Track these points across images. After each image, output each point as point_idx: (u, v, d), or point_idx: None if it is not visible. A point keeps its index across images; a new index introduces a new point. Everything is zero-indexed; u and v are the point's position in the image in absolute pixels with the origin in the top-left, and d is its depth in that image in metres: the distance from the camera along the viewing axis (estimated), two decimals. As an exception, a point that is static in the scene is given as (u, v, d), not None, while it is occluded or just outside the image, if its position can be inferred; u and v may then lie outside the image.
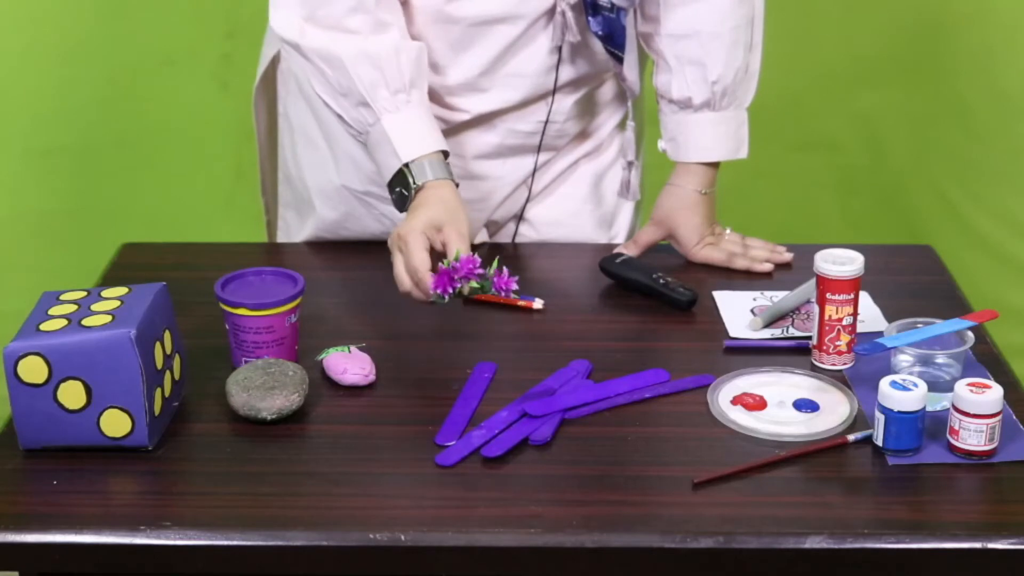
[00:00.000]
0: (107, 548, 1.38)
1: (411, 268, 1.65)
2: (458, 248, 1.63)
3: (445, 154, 1.76)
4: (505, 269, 1.62)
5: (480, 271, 1.62)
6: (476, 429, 1.52)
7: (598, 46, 1.87)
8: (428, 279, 1.62)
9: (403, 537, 1.37)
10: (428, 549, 1.37)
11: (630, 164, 1.99)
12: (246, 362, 1.61)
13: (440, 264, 1.63)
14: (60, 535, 1.38)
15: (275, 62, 2.00)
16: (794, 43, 2.78)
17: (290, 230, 2.06)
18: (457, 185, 1.74)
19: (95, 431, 1.47)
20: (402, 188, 1.73)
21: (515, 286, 1.61)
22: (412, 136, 1.74)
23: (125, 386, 1.45)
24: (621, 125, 2.01)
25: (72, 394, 1.45)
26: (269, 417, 1.53)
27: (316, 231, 2.00)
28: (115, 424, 1.47)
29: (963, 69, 2.89)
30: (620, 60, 1.87)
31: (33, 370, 1.44)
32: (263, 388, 1.54)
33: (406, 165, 1.72)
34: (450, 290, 1.62)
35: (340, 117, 1.78)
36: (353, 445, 1.52)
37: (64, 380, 1.45)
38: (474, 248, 1.97)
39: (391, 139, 1.74)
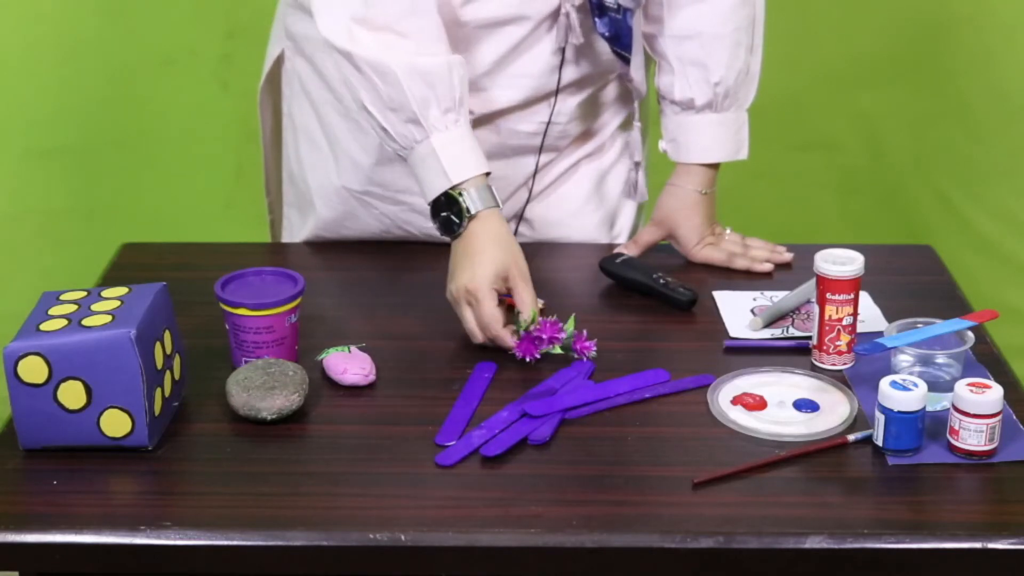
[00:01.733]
0: (107, 548, 1.38)
1: (483, 324, 1.67)
2: (532, 309, 1.66)
3: (487, 174, 1.73)
4: (584, 331, 1.66)
5: (563, 335, 1.65)
6: (476, 429, 1.52)
7: (602, 47, 1.87)
8: (503, 334, 1.66)
9: (403, 537, 1.37)
10: (428, 549, 1.37)
11: (637, 165, 1.99)
12: (246, 362, 1.61)
13: (516, 328, 1.67)
14: (60, 535, 1.38)
15: (279, 62, 2.00)
16: (794, 43, 2.78)
17: (293, 229, 2.07)
18: (499, 206, 1.73)
19: (95, 431, 1.47)
20: (450, 214, 1.71)
21: (594, 350, 1.65)
22: (460, 157, 1.72)
23: (125, 386, 1.45)
24: (623, 126, 2.01)
25: (72, 394, 1.45)
26: (269, 417, 1.53)
27: (316, 230, 2.00)
28: (115, 424, 1.47)
29: (963, 69, 2.89)
30: (627, 61, 1.87)
31: (33, 370, 1.44)
32: (263, 388, 1.54)
33: (454, 188, 1.70)
34: (537, 355, 1.65)
35: (385, 131, 1.74)
36: (353, 445, 1.52)
37: (64, 380, 1.45)
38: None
39: (440, 159, 1.70)
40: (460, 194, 1.69)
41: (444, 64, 1.71)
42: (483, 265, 1.67)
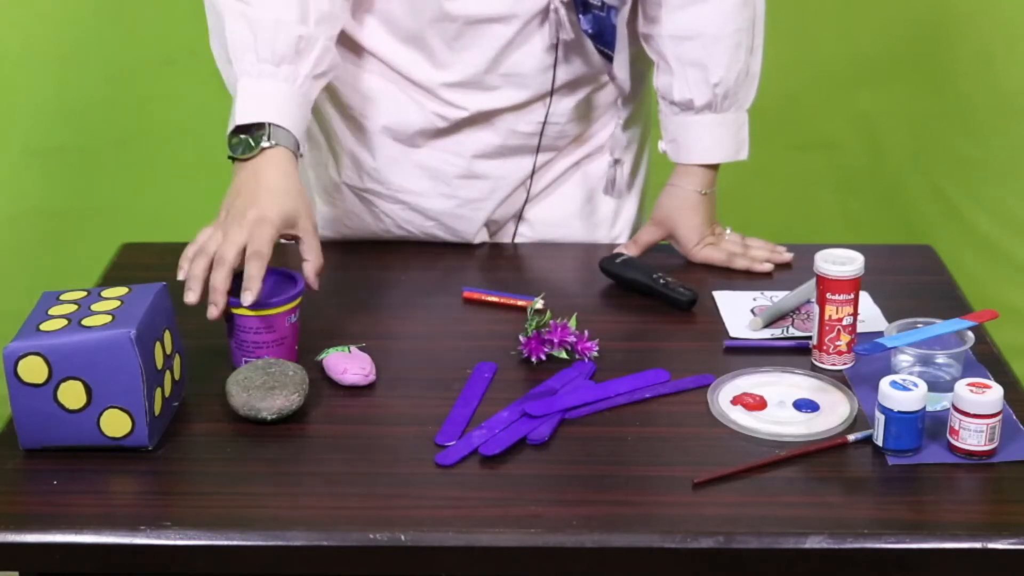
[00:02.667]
0: (107, 548, 1.38)
1: (250, 251, 1.59)
2: (317, 261, 1.63)
3: (297, 144, 1.70)
4: (586, 332, 1.66)
5: (572, 338, 1.65)
6: (476, 429, 1.52)
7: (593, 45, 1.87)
8: (242, 269, 1.59)
9: (403, 537, 1.37)
10: (428, 549, 1.37)
11: (616, 163, 1.98)
12: (246, 362, 1.61)
13: (529, 328, 1.66)
14: (60, 535, 1.38)
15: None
16: (794, 43, 2.78)
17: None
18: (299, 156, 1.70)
19: (95, 431, 1.47)
20: (249, 137, 1.68)
21: (596, 351, 1.66)
22: (261, 102, 1.70)
23: (125, 386, 1.45)
24: (616, 126, 2.01)
25: (72, 394, 1.45)
26: (269, 417, 1.53)
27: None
28: (115, 424, 1.47)
29: (963, 69, 2.90)
30: (610, 59, 1.87)
31: (33, 370, 1.44)
32: (263, 388, 1.54)
33: (252, 125, 1.67)
34: (542, 356, 1.65)
35: (223, 75, 1.78)
36: (353, 445, 1.52)
37: (64, 380, 1.45)
38: (472, 247, 1.98)
39: (237, 99, 1.71)
40: (268, 126, 1.67)
41: (272, 20, 1.71)
42: (279, 202, 1.64)
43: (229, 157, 1.70)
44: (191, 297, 1.59)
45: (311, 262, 1.64)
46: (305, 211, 1.66)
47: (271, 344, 1.61)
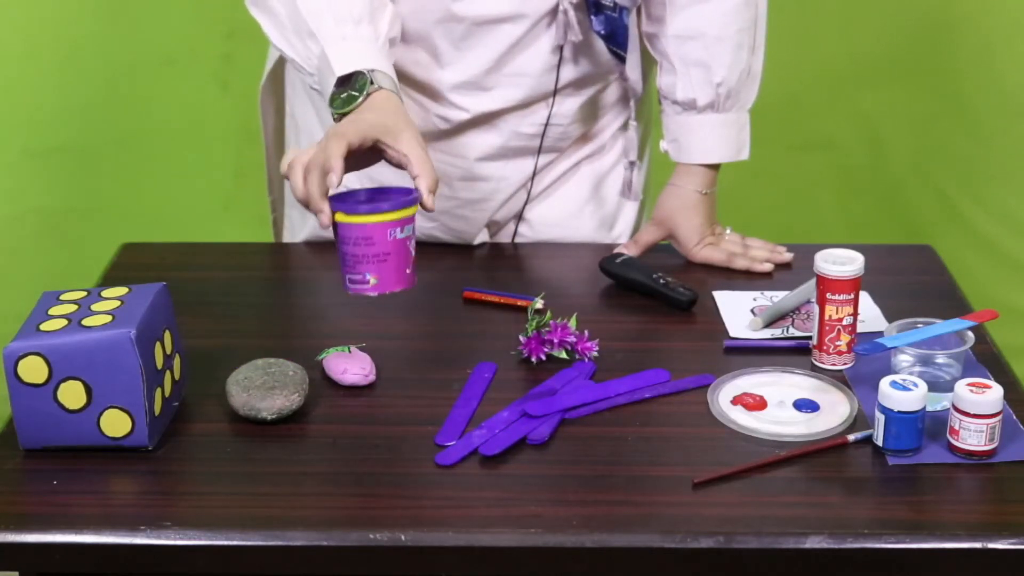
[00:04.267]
0: (107, 548, 1.38)
1: (321, 161, 1.52)
2: (431, 177, 1.52)
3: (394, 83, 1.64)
4: (586, 332, 1.66)
5: (572, 338, 1.65)
6: (476, 429, 1.52)
7: (601, 46, 1.87)
8: (322, 183, 1.51)
9: (403, 537, 1.37)
10: (428, 549, 1.37)
11: (632, 164, 1.99)
12: (349, 280, 1.50)
13: (529, 328, 1.65)
14: (60, 535, 1.38)
15: (281, 61, 2.00)
16: (794, 43, 2.78)
17: (294, 229, 2.07)
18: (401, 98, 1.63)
19: (95, 431, 1.47)
20: (352, 90, 1.60)
21: (596, 351, 1.65)
22: (355, 56, 1.63)
23: (125, 386, 1.45)
24: (624, 127, 2.01)
25: (72, 394, 1.45)
26: (269, 417, 1.53)
27: (315, 230, 2.00)
28: (115, 424, 1.47)
29: (964, 69, 2.90)
30: (622, 60, 1.87)
31: (33, 370, 1.44)
32: (263, 388, 1.54)
33: (351, 75, 1.61)
34: (542, 356, 1.64)
35: (293, 61, 1.70)
36: (353, 445, 1.52)
37: (64, 380, 1.45)
38: (473, 247, 1.98)
39: (330, 60, 1.63)
40: (367, 72, 1.61)
41: None
42: (376, 112, 1.57)
43: (334, 115, 1.61)
44: (322, 220, 1.52)
45: (423, 178, 1.53)
46: (408, 126, 1.56)
47: (372, 259, 1.49)
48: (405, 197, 1.53)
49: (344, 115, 1.60)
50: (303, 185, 1.53)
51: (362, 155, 1.58)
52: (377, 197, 1.56)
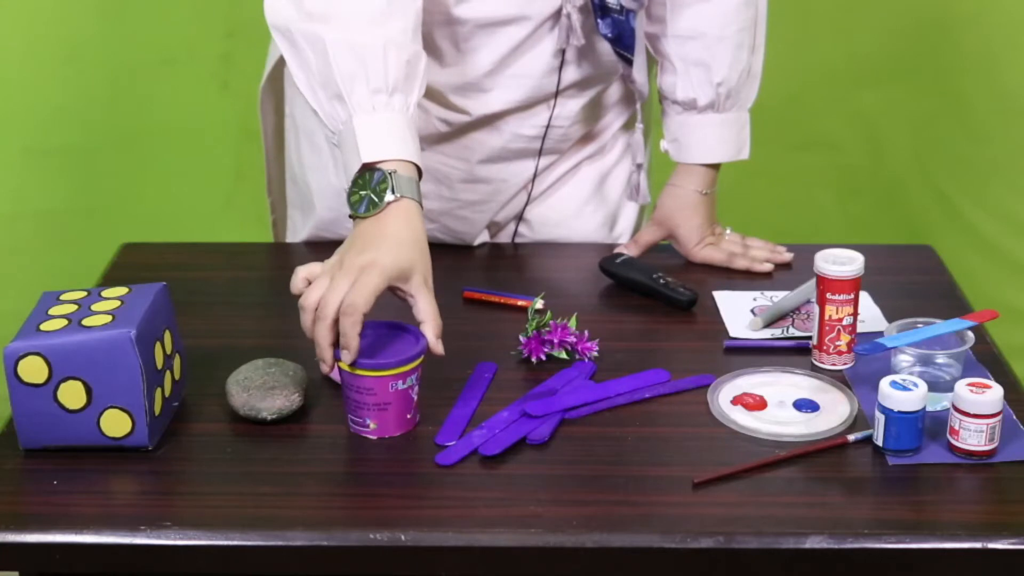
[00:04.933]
0: (107, 548, 1.38)
1: (345, 303, 1.47)
2: (435, 323, 1.50)
3: (419, 172, 1.59)
4: (586, 332, 1.66)
5: (572, 339, 1.65)
6: (476, 429, 1.52)
7: (603, 48, 1.87)
8: (332, 334, 1.48)
9: (403, 537, 1.37)
10: (428, 549, 1.37)
11: (639, 167, 1.99)
12: (352, 420, 1.52)
13: (529, 328, 1.65)
14: (60, 535, 1.38)
15: (282, 61, 2.00)
16: (794, 43, 2.78)
17: (296, 229, 2.07)
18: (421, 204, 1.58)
19: (95, 431, 1.47)
20: (371, 193, 1.55)
21: (596, 351, 1.65)
22: (381, 139, 1.57)
23: (125, 386, 1.45)
24: (625, 127, 2.01)
25: (72, 394, 1.45)
26: (269, 417, 1.53)
27: (315, 230, 2.00)
28: (115, 424, 1.47)
29: (964, 69, 2.90)
30: (629, 62, 1.87)
31: (33, 370, 1.44)
32: (263, 388, 1.54)
33: (374, 168, 1.55)
34: (542, 356, 1.64)
35: (316, 112, 1.64)
36: (353, 445, 1.52)
37: (64, 380, 1.45)
38: (473, 247, 1.97)
39: (356, 137, 1.56)
40: (391, 174, 1.54)
41: (381, 42, 1.58)
42: (395, 250, 1.50)
43: (351, 216, 1.56)
44: (324, 368, 1.50)
45: (428, 325, 1.51)
46: (421, 265, 1.52)
47: (372, 407, 1.50)
48: (411, 349, 1.50)
49: (357, 217, 1.55)
50: (311, 327, 1.50)
51: None
52: (382, 336, 1.54)
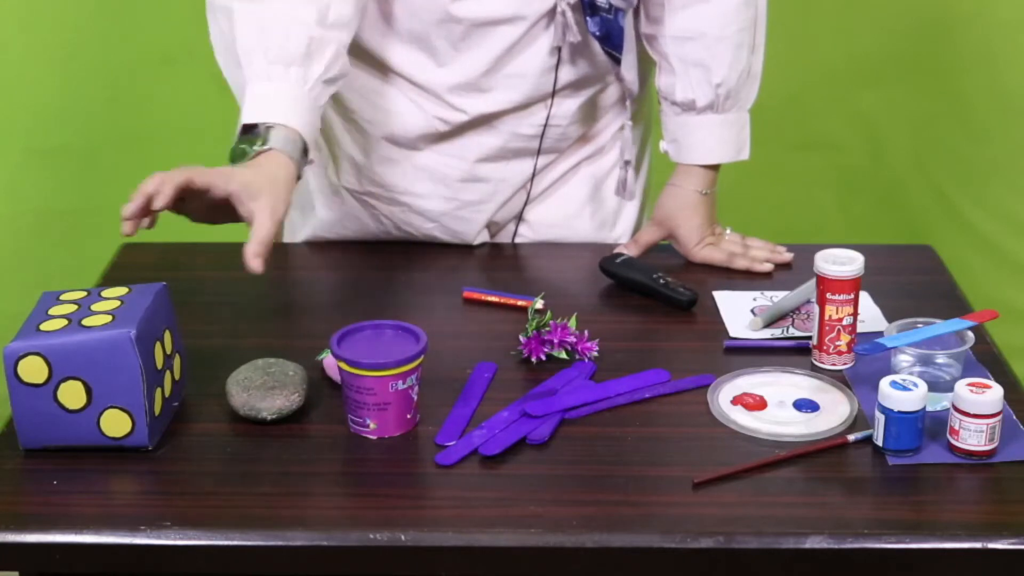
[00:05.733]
0: (107, 548, 1.38)
1: (159, 178, 1.55)
2: (267, 233, 1.51)
3: (305, 149, 1.63)
4: (586, 332, 1.66)
5: (572, 339, 1.65)
6: (476, 429, 1.52)
7: (598, 47, 1.87)
8: (150, 191, 1.53)
9: (403, 537, 1.37)
10: (428, 549, 1.37)
11: (627, 163, 1.98)
12: (352, 420, 1.53)
13: (529, 328, 1.65)
14: (60, 535, 1.38)
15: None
16: (794, 43, 2.78)
17: (295, 229, 2.07)
18: (299, 178, 1.62)
19: (95, 431, 1.47)
20: (246, 146, 1.60)
21: (596, 351, 1.65)
22: (269, 103, 1.63)
23: (125, 386, 1.45)
24: (624, 128, 2.01)
25: (72, 394, 1.45)
26: (269, 417, 1.53)
27: (315, 230, 2.01)
28: (115, 424, 1.47)
29: (964, 69, 2.89)
30: (617, 61, 1.87)
31: (33, 370, 1.44)
32: (263, 388, 1.54)
33: (256, 127, 1.61)
34: (542, 356, 1.64)
35: (227, 79, 1.70)
36: (353, 445, 1.52)
37: (64, 380, 1.45)
38: (472, 247, 1.97)
39: (245, 101, 1.64)
40: (267, 128, 1.61)
41: (285, 19, 1.66)
42: (251, 172, 1.56)
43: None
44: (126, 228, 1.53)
45: (254, 241, 1.52)
46: (271, 197, 1.55)
47: (372, 407, 1.50)
48: (411, 349, 1.51)
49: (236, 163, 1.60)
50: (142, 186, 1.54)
51: (219, 208, 1.57)
52: (382, 336, 1.54)
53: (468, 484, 1.45)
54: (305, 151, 1.65)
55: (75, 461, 1.48)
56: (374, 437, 1.51)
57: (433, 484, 1.46)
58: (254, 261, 1.52)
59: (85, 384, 1.45)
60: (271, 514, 1.41)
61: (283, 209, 1.57)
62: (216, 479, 1.47)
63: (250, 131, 1.63)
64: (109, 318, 1.47)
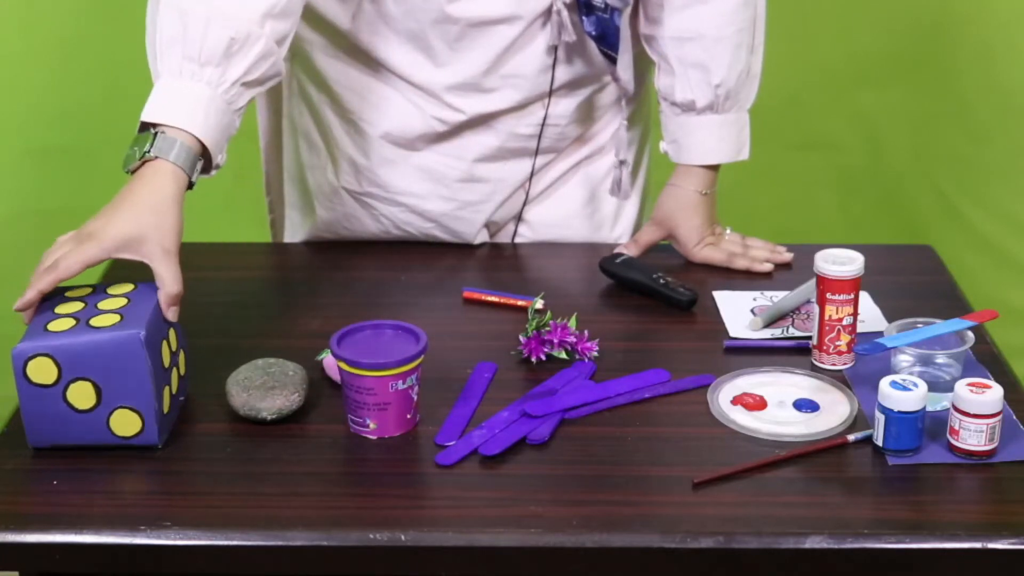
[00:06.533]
0: (107, 548, 1.38)
1: (58, 267, 1.49)
2: (175, 289, 1.49)
3: (204, 148, 1.56)
4: (586, 332, 1.66)
5: (572, 339, 1.64)
6: (476, 429, 1.52)
7: (595, 46, 1.87)
8: (43, 285, 1.49)
9: (403, 537, 1.37)
10: (428, 549, 1.37)
11: (622, 163, 1.98)
12: (352, 419, 1.53)
13: (529, 328, 1.65)
14: (60, 535, 1.38)
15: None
16: (794, 43, 2.78)
17: (295, 229, 2.07)
18: (191, 187, 1.55)
19: (105, 431, 1.47)
20: (136, 149, 1.55)
21: (596, 351, 1.65)
22: (171, 104, 1.56)
23: (135, 387, 1.45)
24: (620, 127, 2.01)
25: (82, 394, 1.45)
26: (269, 417, 1.53)
27: (315, 230, 2.01)
28: (125, 424, 1.47)
29: (963, 69, 2.89)
30: (613, 61, 1.87)
31: (42, 371, 1.44)
32: (263, 388, 1.54)
33: (150, 127, 1.54)
34: (542, 356, 1.64)
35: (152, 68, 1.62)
36: (353, 445, 1.52)
37: (73, 381, 1.44)
38: (472, 247, 1.97)
39: (151, 95, 1.56)
40: (155, 134, 1.54)
41: (204, 14, 1.57)
42: (124, 219, 1.50)
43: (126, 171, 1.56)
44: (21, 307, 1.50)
45: (162, 290, 1.50)
46: (156, 233, 1.50)
47: (372, 407, 1.50)
48: (411, 349, 1.51)
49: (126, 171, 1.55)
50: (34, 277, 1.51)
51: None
52: (382, 336, 1.54)
53: (468, 484, 1.45)
54: (205, 158, 1.57)
55: (76, 461, 1.48)
56: (374, 437, 1.51)
57: (433, 484, 1.46)
58: (169, 312, 1.51)
59: (95, 384, 1.45)
60: (271, 514, 1.41)
61: (174, 239, 1.51)
62: (216, 479, 1.47)
63: (145, 130, 1.56)
64: (117, 318, 1.47)
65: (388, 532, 1.37)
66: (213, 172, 1.61)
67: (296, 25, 1.69)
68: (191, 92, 1.58)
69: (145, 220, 1.51)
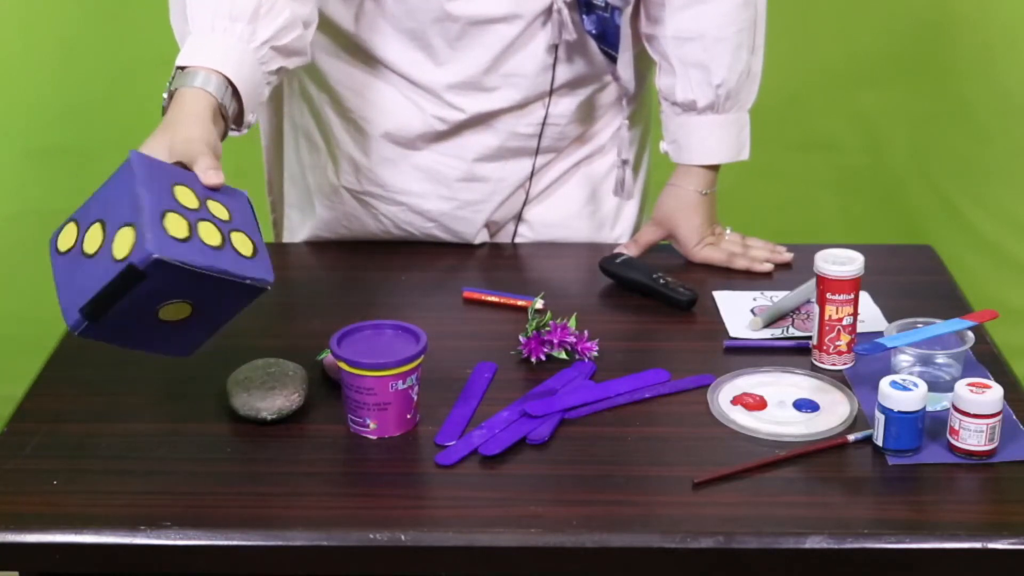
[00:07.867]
0: (107, 548, 1.38)
1: None
2: (217, 180, 1.47)
3: (238, 98, 1.57)
4: (586, 332, 1.66)
5: (572, 339, 1.64)
6: (476, 429, 1.52)
7: (595, 45, 1.87)
8: None
9: (403, 537, 1.37)
10: (428, 549, 1.37)
11: (624, 163, 1.98)
12: (351, 420, 1.53)
13: (529, 328, 1.65)
14: (60, 535, 1.38)
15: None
16: (794, 43, 2.78)
17: (294, 229, 2.07)
18: (227, 124, 1.55)
19: (109, 260, 1.38)
20: (171, 87, 1.56)
21: (596, 351, 1.65)
22: (205, 49, 1.57)
23: (128, 202, 1.39)
24: (621, 127, 2.01)
25: (92, 239, 1.40)
26: (269, 417, 1.53)
27: (315, 230, 2.01)
28: (123, 244, 1.38)
29: (963, 69, 2.90)
30: (613, 60, 1.87)
31: (68, 236, 1.41)
32: (263, 388, 1.54)
33: (183, 69, 1.56)
34: (542, 356, 1.64)
35: (175, 35, 1.63)
36: (353, 445, 1.52)
37: (88, 228, 1.40)
38: (472, 247, 1.98)
39: (183, 48, 1.58)
40: (190, 72, 1.56)
41: None
42: (162, 137, 1.50)
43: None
44: None
45: (200, 165, 1.48)
46: (200, 143, 1.49)
47: (372, 407, 1.50)
48: (411, 349, 1.51)
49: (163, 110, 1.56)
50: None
51: None
52: (382, 337, 1.54)
53: (468, 484, 1.45)
54: (237, 100, 1.57)
55: (75, 461, 1.48)
56: (374, 437, 1.51)
57: (433, 484, 1.46)
58: (210, 175, 1.48)
59: (102, 224, 1.40)
60: (271, 514, 1.41)
61: (208, 143, 1.50)
62: (216, 479, 1.47)
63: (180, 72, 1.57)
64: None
65: (388, 532, 1.37)
66: (244, 130, 1.61)
67: (316, 16, 1.71)
68: (223, 42, 1.59)
69: (196, 131, 1.50)
